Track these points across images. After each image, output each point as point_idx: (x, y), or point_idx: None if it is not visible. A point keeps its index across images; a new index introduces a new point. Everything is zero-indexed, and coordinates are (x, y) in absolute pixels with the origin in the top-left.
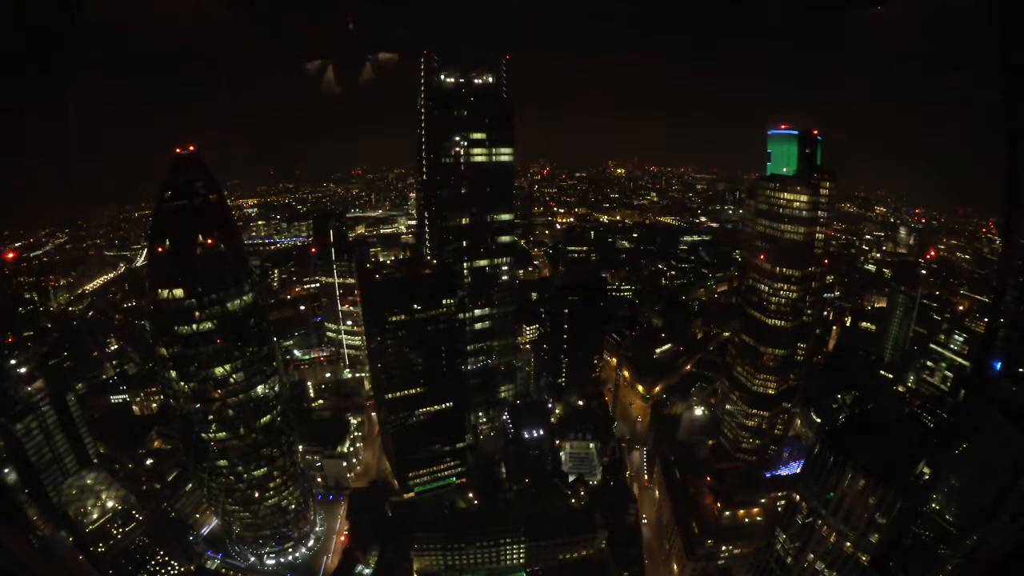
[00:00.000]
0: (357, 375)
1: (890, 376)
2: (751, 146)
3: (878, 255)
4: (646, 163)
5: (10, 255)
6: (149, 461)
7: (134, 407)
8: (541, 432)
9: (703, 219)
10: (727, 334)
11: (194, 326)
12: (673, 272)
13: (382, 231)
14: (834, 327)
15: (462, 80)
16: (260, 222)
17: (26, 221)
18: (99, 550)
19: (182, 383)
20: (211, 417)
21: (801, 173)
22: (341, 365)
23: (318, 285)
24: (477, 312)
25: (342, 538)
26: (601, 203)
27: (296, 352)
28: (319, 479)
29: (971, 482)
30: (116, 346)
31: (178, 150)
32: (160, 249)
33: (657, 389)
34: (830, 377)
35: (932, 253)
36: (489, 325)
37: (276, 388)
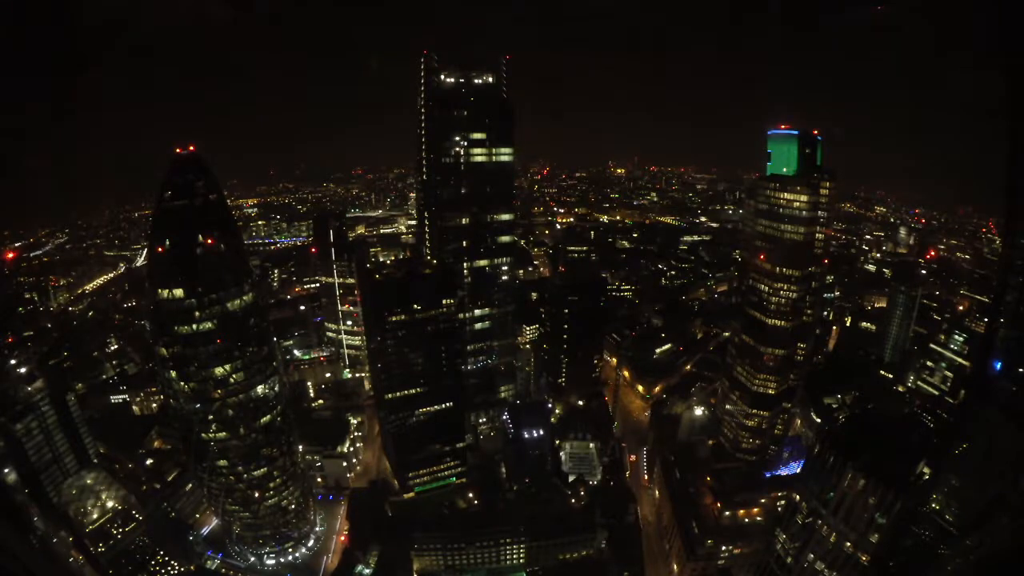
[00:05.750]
0: (357, 375)
1: (890, 376)
2: (751, 146)
3: (878, 255)
4: (646, 163)
5: (10, 255)
6: (149, 461)
7: (134, 407)
8: (541, 432)
9: (703, 219)
10: (727, 334)
11: (194, 326)
12: (673, 272)
13: (382, 231)
14: (834, 327)
15: (462, 80)
16: (260, 222)
17: (26, 221)
18: (99, 550)
19: (182, 383)
20: (211, 417)
21: (801, 173)
22: (341, 365)
23: (318, 285)
24: (477, 312)
25: (342, 538)
26: (601, 203)
27: (296, 352)
28: (319, 479)
29: (971, 482)
30: (116, 346)
31: (178, 150)
32: (160, 249)
33: (657, 389)
34: (830, 377)
35: (932, 253)
36: (489, 325)
37: (276, 388)
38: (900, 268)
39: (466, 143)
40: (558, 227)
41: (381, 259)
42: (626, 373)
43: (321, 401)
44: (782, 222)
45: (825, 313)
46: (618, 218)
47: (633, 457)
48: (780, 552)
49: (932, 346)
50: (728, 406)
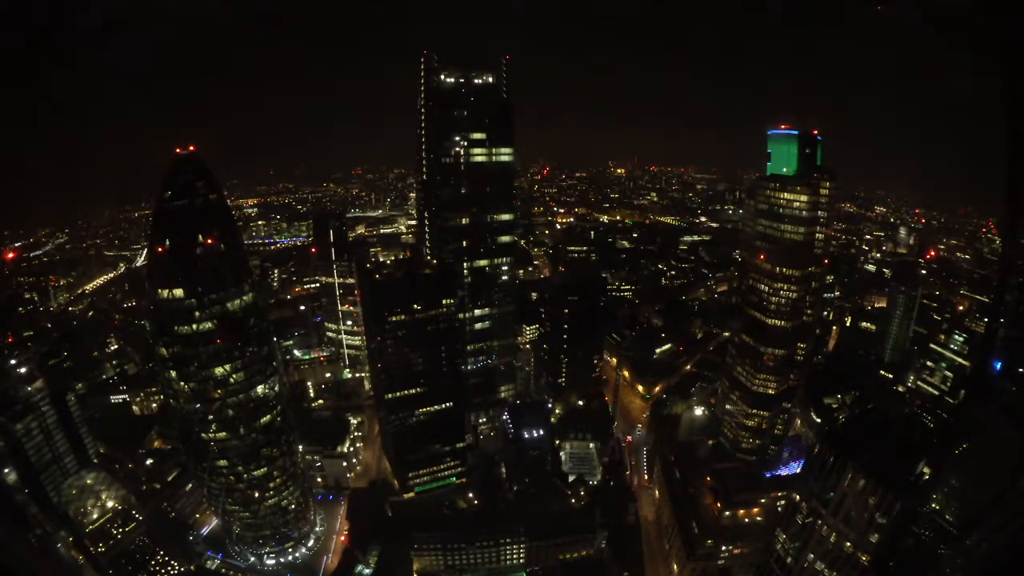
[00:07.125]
0: (357, 375)
1: (890, 376)
2: (751, 146)
3: (878, 255)
4: (646, 163)
5: (10, 255)
6: (149, 461)
7: (134, 407)
8: (541, 432)
9: (703, 219)
10: (727, 334)
11: (194, 326)
12: (673, 272)
13: (382, 231)
14: (834, 327)
15: (462, 80)
16: (260, 222)
17: (26, 221)
18: (99, 550)
19: (182, 383)
20: (211, 417)
21: (801, 173)
22: (341, 365)
23: (318, 285)
24: (477, 312)
25: (342, 538)
26: (601, 203)
27: (296, 352)
28: (319, 479)
29: (971, 482)
30: (116, 346)
31: (178, 150)
32: (160, 249)
33: (657, 389)
34: (830, 377)
35: (932, 253)
36: (489, 325)
37: (276, 388)
38: (900, 268)
39: (466, 143)
40: (558, 227)
41: (381, 259)
42: (626, 373)
43: (321, 401)
44: (782, 222)
45: (825, 313)
46: (618, 218)
47: (633, 457)
48: (780, 552)
49: (932, 346)
50: (728, 406)
